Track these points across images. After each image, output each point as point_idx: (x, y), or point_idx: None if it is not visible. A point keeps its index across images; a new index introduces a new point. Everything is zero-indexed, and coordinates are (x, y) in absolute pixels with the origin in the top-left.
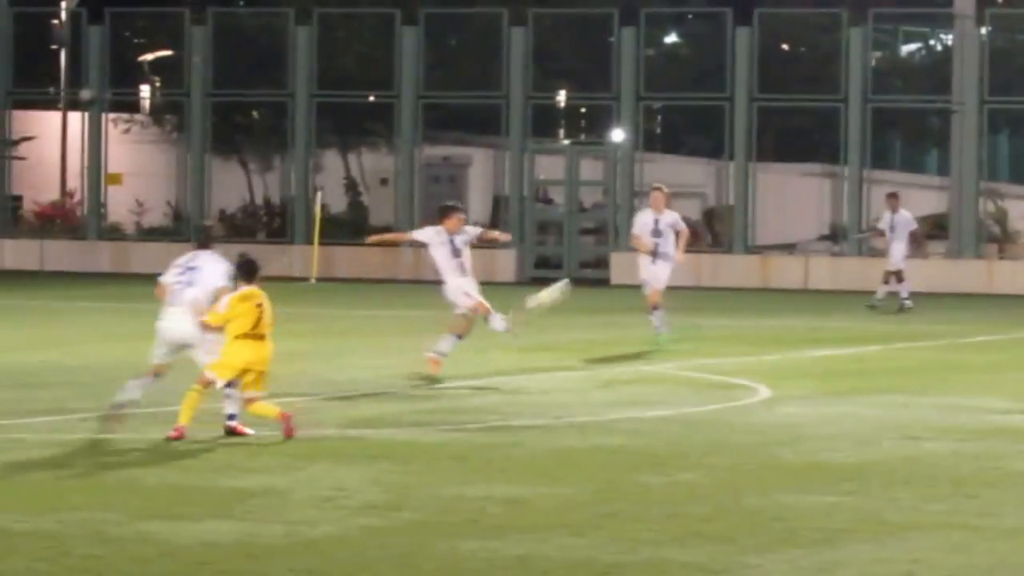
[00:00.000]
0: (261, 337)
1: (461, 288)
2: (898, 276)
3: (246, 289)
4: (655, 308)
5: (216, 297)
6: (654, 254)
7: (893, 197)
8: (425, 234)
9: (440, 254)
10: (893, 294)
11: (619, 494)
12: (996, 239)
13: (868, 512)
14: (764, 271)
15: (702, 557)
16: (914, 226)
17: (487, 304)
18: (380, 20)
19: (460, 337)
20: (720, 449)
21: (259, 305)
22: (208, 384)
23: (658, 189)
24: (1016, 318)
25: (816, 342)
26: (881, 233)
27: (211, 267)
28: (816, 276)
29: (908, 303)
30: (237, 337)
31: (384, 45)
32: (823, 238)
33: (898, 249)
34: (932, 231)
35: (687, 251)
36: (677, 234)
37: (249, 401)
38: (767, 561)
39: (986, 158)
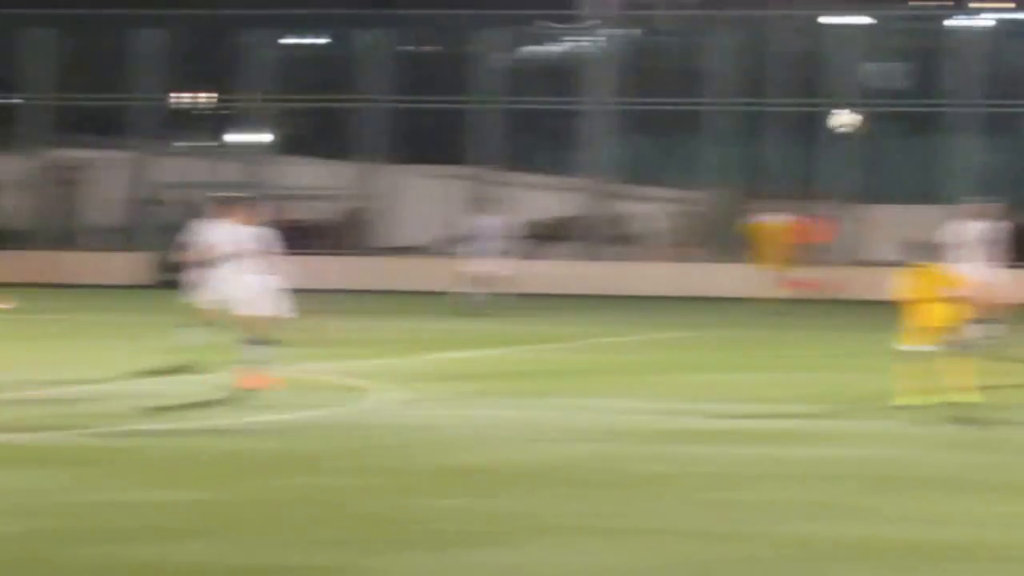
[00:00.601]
0: None
1: (235, 288)
2: (481, 278)
3: None
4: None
5: None
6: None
7: (489, 201)
8: (214, 232)
9: (224, 248)
10: (495, 294)
11: (248, 498)
12: (625, 240)
13: (499, 514)
14: (400, 273)
15: (325, 560)
16: (507, 231)
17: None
18: (6, 21)
19: (265, 343)
20: (353, 452)
21: None
22: None
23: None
24: (646, 319)
25: (452, 344)
26: (476, 236)
27: None
28: (452, 278)
29: (483, 302)
30: None
31: (10, 46)
32: (458, 240)
33: (488, 251)
34: (563, 232)
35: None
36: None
37: None
38: (391, 563)
39: (617, 160)
